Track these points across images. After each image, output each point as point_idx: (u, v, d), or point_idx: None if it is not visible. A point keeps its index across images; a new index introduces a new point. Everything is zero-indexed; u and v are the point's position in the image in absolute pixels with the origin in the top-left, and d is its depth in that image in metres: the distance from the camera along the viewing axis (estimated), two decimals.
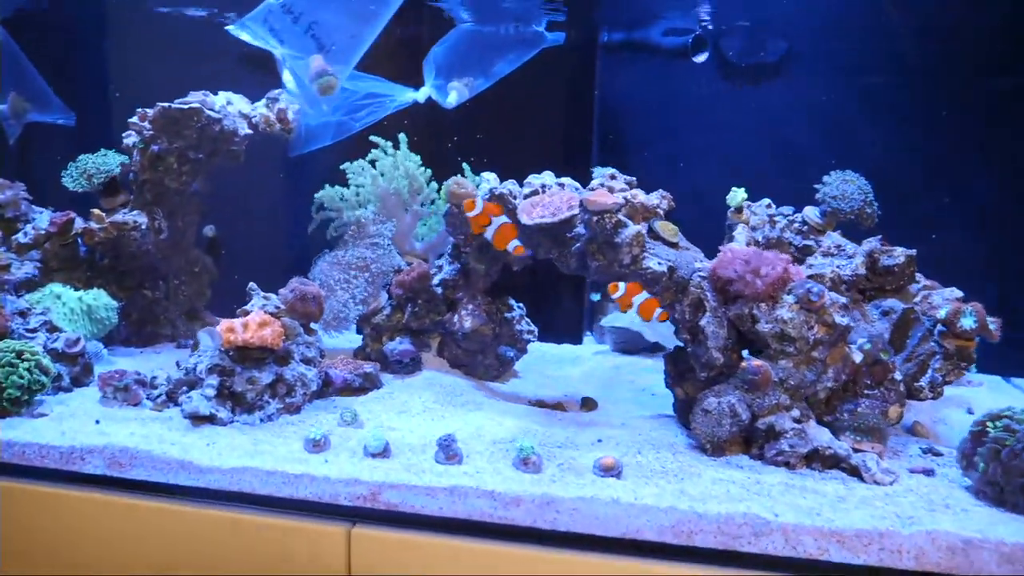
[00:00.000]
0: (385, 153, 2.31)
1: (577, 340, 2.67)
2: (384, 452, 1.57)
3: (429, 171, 2.36)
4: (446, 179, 2.09)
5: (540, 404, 1.97)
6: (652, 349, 2.50)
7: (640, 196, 1.84)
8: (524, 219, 1.87)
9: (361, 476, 1.47)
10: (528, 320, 2.26)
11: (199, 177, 2.35)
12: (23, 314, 1.96)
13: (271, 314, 1.85)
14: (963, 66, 2.35)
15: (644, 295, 1.72)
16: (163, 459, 1.54)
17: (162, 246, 2.33)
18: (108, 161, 2.27)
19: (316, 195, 2.36)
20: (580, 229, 1.84)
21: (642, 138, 2.66)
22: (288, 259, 2.73)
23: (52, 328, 1.97)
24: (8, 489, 1.58)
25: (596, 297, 2.66)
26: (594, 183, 1.93)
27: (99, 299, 2.13)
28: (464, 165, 2.29)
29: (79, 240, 2.25)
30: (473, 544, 1.40)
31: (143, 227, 2.22)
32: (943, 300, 1.83)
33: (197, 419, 1.69)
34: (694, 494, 1.41)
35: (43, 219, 2.25)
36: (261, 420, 1.73)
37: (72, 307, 2.07)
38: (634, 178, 1.95)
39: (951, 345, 1.78)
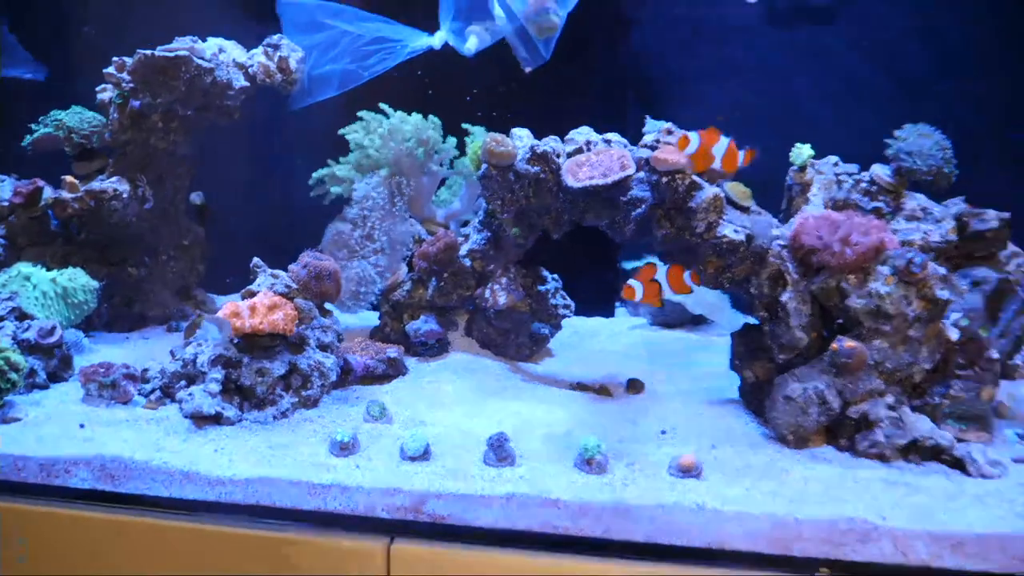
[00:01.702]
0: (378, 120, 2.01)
1: (609, 313, 2.51)
2: (425, 454, 1.40)
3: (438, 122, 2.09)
4: (464, 137, 1.83)
5: (581, 387, 1.83)
6: (695, 322, 2.31)
7: None
8: (570, 181, 1.65)
9: (401, 484, 1.31)
10: (563, 293, 2.05)
11: (188, 137, 2.12)
12: None
13: (282, 295, 1.63)
14: None
15: (663, 270, 1.55)
16: (163, 470, 1.36)
17: (148, 216, 2.11)
18: (85, 119, 1.99)
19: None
20: (636, 192, 1.62)
21: (680, 87, 2.41)
22: (292, 230, 2.47)
23: (22, 315, 1.76)
24: None
25: (629, 265, 2.45)
26: (648, 139, 1.70)
27: (76, 280, 1.90)
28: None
29: (50, 212, 2.02)
30: (533, 559, 1.26)
31: (124, 196, 2.00)
32: None
33: (200, 419, 1.52)
34: (788, 496, 1.28)
35: (5, 188, 2.02)
36: (274, 417, 1.57)
37: (45, 290, 1.85)
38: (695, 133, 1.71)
39: None
